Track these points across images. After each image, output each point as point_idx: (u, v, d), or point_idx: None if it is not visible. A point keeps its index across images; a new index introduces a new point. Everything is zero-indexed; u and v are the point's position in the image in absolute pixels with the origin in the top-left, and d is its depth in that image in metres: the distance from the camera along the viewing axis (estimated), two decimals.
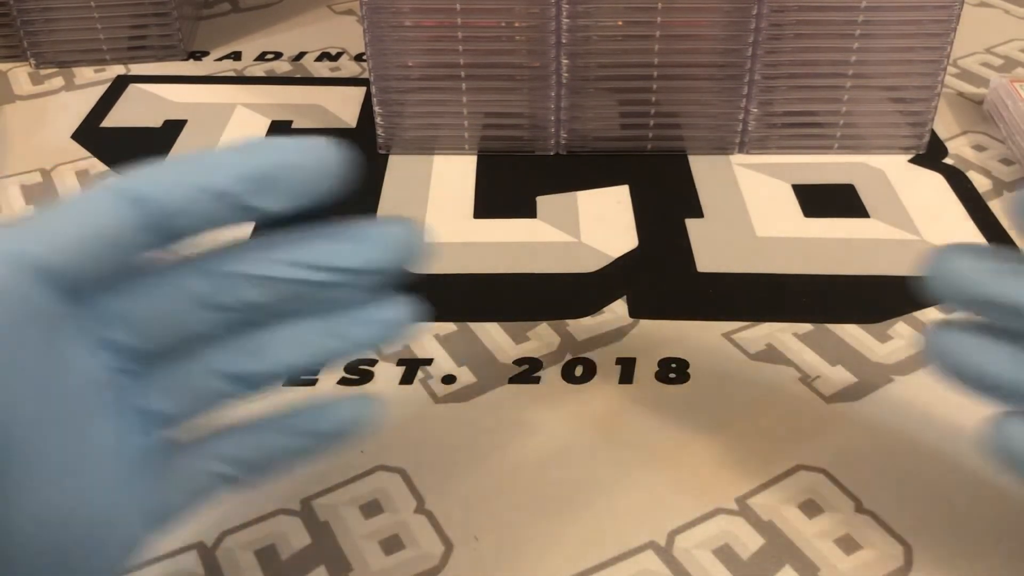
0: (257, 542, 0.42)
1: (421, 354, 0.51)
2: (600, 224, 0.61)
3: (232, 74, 0.79)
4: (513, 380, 0.50)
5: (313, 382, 0.49)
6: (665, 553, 0.41)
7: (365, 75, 0.79)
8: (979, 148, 0.69)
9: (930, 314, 0.54)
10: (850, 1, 0.62)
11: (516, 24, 0.63)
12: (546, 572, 0.40)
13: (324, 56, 0.82)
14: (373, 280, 0.31)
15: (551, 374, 0.50)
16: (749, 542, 0.42)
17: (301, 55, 0.82)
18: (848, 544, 0.42)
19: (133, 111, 0.74)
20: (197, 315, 0.30)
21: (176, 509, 0.33)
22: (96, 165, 0.68)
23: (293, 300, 0.31)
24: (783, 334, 0.53)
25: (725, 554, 0.41)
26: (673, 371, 0.50)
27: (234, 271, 0.30)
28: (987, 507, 0.43)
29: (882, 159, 0.67)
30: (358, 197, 0.64)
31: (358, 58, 0.81)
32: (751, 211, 0.62)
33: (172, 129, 0.71)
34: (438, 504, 0.43)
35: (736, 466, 0.45)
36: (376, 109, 0.66)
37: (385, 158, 0.68)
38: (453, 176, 0.66)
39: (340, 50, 0.83)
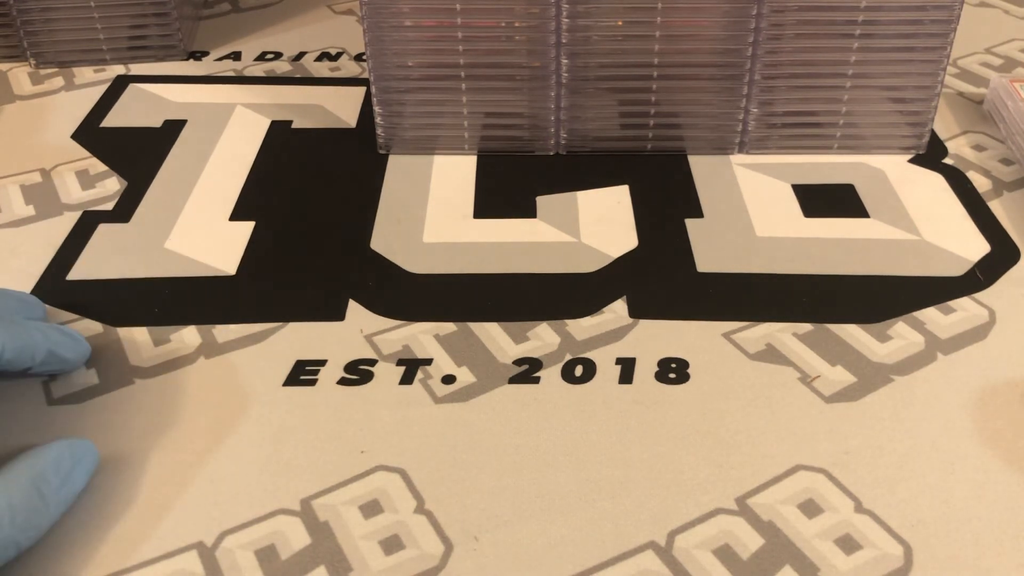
0: (257, 542, 0.42)
1: (421, 354, 0.51)
2: (600, 224, 0.61)
3: (232, 74, 0.79)
4: (513, 380, 0.50)
5: (313, 382, 0.49)
6: (665, 553, 0.41)
7: (365, 75, 0.79)
8: (979, 148, 0.69)
9: (930, 314, 0.54)
10: (850, 1, 0.62)
11: (516, 24, 0.63)
12: (546, 572, 0.40)
13: (324, 56, 0.82)
14: None
15: (551, 374, 0.50)
16: (749, 542, 0.42)
17: (301, 55, 0.82)
18: (848, 544, 0.42)
19: (133, 111, 0.74)
20: None
21: None
22: (96, 165, 0.68)
23: None
24: (783, 334, 0.53)
25: (725, 554, 0.41)
26: (673, 371, 0.50)
27: None
28: (987, 507, 0.43)
29: (882, 159, 0.67)
30: (359, 197, 0.64)
31: (358, 58, 0.81)
32: (751, 211, 0.62)
33: (172, 129, 0.71)
34: (438, 504, 0.43)
35: (736, 466, 0.45)
36: (376, 109, 0.66)
37: (385, 158, 0.68)
38: (453, 176, 0.66)
39: (340, 50, 0.83)
